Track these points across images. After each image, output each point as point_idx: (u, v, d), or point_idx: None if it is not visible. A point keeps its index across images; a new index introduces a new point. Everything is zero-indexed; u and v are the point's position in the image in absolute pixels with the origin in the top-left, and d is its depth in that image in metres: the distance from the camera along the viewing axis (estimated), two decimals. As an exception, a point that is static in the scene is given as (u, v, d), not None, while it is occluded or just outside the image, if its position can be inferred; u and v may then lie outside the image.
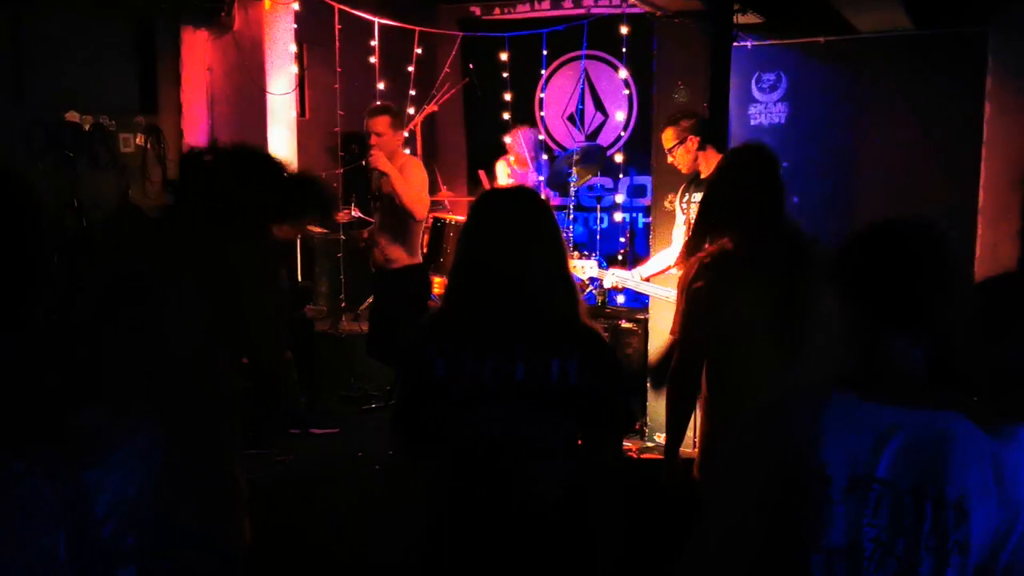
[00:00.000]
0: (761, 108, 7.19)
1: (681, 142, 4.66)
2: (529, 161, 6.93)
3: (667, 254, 4.80)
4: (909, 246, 1.46)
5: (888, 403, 1.43)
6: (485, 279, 2.12)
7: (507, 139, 7.04)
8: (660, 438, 5.29)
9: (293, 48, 6.65)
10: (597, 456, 2.21)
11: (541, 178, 7.14)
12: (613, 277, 4.84)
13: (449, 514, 2.20)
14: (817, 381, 1.53)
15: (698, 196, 4.41)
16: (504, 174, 7.04)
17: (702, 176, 4.67)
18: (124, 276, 1.67)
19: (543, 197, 2.21)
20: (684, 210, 4.73)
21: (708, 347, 2.78)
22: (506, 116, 7.57)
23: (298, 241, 6.37)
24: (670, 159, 4.74)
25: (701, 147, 4.66)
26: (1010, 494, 1.37)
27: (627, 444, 5.28)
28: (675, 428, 2.93)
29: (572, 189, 6.54)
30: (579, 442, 2.18)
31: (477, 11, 8.62)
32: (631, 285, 4.88)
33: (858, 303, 1.49)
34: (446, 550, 2.21)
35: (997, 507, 1.37)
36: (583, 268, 4.88)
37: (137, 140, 6.23)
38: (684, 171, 4.73)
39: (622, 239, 7.05)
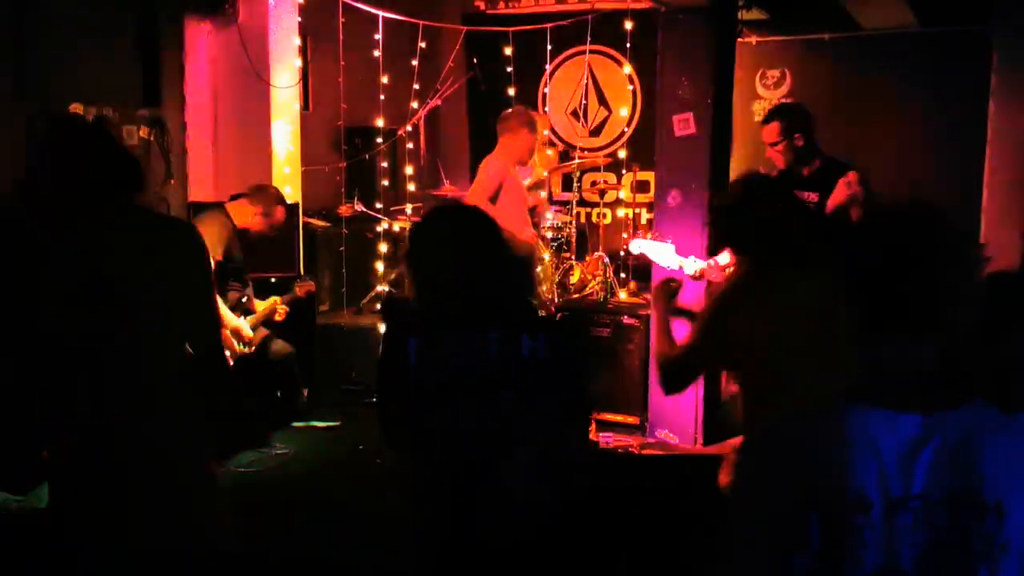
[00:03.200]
0: (765, 104, 7.18)
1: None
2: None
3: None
4: (915, 239, 1.36)
5: (909, 411, 1.34)
6: (455, 280, 2.31)
7: None
8: (661, 435, 5.29)
9: (297, 41, 6.64)
10: (564, 442, 2.32)
11: (545, 174, 7.11)
12: (695, 264, 4.22)
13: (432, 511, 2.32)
14: (826, 396, 1.43)
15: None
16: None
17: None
18: None
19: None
20: None
21: (712, 360, 2.93)
22: (509, 111, 7.54)
23: (300, 234, 6.36)
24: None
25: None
26: None
27: (629, 440, 5.28)
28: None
29: None
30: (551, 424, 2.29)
31: (481, 5, 8.61)
32: (712, 277, 4.23)
33: (862, 304, 1.40)
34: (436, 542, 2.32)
35: None
36: (668, 255, 4.25)
37: (140, 132, 6.22)
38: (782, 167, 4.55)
39: (624, 235, 7.02)
